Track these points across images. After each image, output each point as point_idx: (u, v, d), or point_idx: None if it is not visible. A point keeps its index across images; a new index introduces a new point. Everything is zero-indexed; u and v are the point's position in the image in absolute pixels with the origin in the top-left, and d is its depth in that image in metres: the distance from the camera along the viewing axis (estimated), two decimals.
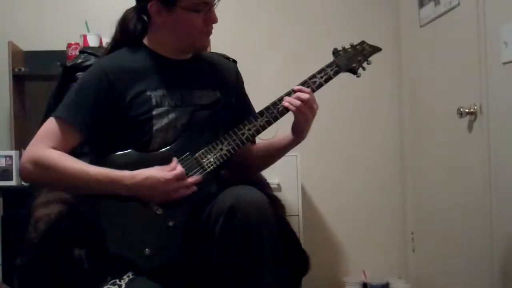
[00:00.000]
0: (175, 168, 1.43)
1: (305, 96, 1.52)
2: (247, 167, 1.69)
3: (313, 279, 1.91)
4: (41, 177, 1.45)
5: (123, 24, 1.59)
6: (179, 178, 1.42)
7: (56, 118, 1.48)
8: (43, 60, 2.79)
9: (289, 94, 1.55)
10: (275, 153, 1.66)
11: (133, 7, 1.59)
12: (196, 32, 1.52)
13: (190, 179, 1.44)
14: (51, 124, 1.47)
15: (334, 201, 3.06)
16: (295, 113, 1.53)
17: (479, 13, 2.16)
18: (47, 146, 1.44)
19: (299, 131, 1.58)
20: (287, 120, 1.59)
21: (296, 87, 1.55)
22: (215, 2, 1.51)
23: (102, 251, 1.40)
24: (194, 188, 1.44)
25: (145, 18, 1.56)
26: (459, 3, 2.33)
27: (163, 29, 1.54)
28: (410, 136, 2.98)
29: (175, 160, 1.45)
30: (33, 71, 2.82)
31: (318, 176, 3.02)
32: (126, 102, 1.48)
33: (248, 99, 1.74)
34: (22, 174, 1.48)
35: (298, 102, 1.52)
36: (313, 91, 1.56)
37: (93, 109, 1.47)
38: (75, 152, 1.49)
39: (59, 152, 1.44)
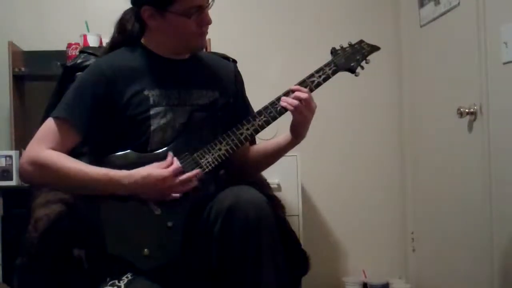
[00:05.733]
0: (171, 163, 1.43)
1: (303, 95, 1.51)
2: (246, 168, 1.69)
3: (313, 279, 1.91)
4: (40, 177, 1.45)
5: (121, 24, 1.59)
6: (176, 174, 1.42)
7: (54, 118, 1.48)
8: (43, 60, 2.79)
9: (287, 94, 1.54)
10: (274, 153, 1.65)
11: (131, 8, 1.59)
12: (190, 35, 1.52)
13: (188, 174, 1.43)
14: (49, 124, 1.47)
15: (334, 201, 3.06)
16: (293, 113, 1.52)
17: (479, 13, 2.16)
18: (46, 146, 1.44)
19: (298, 132, 1.57)
20: (287, 119, 1.59)
21: (294, 87, 1.54)
22: (208, 4, 1.51)
23: (101, 252, 1.40)
24: (195, 182, 1.44)
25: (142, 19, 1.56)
26: (459, 3, 2.33)
27: (158, 32, 1.54)
28: (410, 136, 2.98)
29: (170, 155, 1.45)
30: (33, 71, 2.82)
31: (318, 176, 3.02)
32: (123, 101, 1.48)
33: (247, 99, 1.74)
34: (22, 175, 1.48)
35: (296, 102, 1.51)
36: (312, 90, 1.56)
37: (90, 109, 1.47)
38: (74, 152, 1.49)
39: (57, 152, 1.44)
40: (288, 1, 3.11)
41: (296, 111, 1.51)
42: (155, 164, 1.43)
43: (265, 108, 1.54)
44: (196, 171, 1.44)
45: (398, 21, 3.06)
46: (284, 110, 1.53)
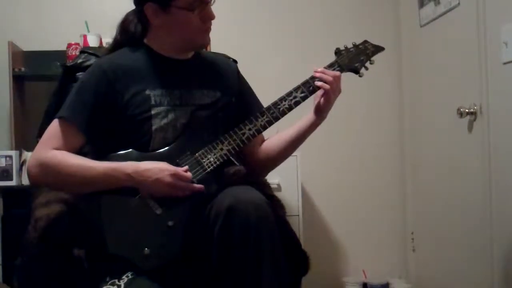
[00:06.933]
0: (185, 171, 1.43)
1: (336, 73, 1.54)
2: (269, 160, 1.69)
3: (313, 279, 1.90)
4: (47, 178, 1.47)
5: (124, 26, 1.60)
6: (183, 177, 1.42)
7: (58, 119, 1.49)
8: (43, 60, 2.79)
9: (306, 82, 1.55)
10: (299, 137, 1.64)
11: (133, 10, 1.60)
12: (194, 30, 1.52)
13: (195, 186, 1.43)
14: (54, 126, 1.49)
15: (334, 201, 3.06)
16: (326, 90, 1.54)
17: (479, 13, 2.16)
18: (50, 148, 1.46)
19: (325, 111, 1.58)
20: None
21: (317, 71, 1.56)
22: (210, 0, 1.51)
23: (101, 251, 1.40)
24: (200, 186, 1.44)
25: (145, 20, 1.56)
26: (459, 3, 2.33)
27: (162, 30, 1.54)
28: (410, 136, 2.99)
29: (187, 167, 1.45)
30: (33, 71, 2.81)
31: (318, 176, 3.02)
32: (124, 101, 1.48)
33: (254, 97, 1.73)
34: (29, 178, 1.50)
35: (331, 78, 1.53)
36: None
37: (92, 109, 1.48)
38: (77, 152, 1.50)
39: (61, 151, 1.45)
40: (288, 2, 3.11)
41: (331, 87, 1.54)
42: (164, 163, 1.43)
43: (268, 108, 1.54)
44: (200, 186, 1.44)
45: (398, 21, 3.06)
46: (286, 110, 1.54)
